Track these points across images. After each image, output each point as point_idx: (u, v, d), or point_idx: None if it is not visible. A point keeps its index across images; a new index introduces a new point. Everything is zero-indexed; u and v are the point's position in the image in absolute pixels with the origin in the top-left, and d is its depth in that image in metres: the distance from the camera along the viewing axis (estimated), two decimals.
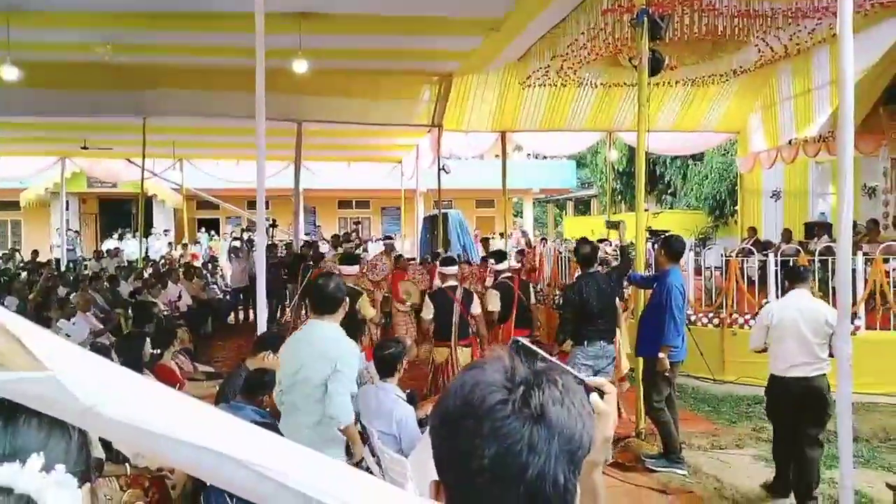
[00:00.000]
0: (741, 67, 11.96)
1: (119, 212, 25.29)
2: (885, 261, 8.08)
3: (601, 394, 1.04)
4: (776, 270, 8.29)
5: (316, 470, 0.89)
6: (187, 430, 0.76)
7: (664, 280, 5.69)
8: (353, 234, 17.48)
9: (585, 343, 5.89)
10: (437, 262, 8.16)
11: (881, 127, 11.57)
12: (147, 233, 20.34)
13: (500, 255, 8.12)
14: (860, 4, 8.33)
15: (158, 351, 6.28)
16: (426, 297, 6.93)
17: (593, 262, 6.17)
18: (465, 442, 0.86)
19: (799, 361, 4.77)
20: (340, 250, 11.68)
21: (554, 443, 0.85)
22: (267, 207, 6.26)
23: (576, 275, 6.82)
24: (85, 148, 15.51)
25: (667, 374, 5.66)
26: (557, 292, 11.02)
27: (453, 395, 0.91)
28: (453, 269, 6.85)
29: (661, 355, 5.55)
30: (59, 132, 14.65)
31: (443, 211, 14.97)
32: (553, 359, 0.98)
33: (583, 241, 6.57)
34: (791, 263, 6.65)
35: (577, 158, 27.31)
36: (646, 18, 6.41)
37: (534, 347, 0.99)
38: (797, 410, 4.81)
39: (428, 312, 6.47)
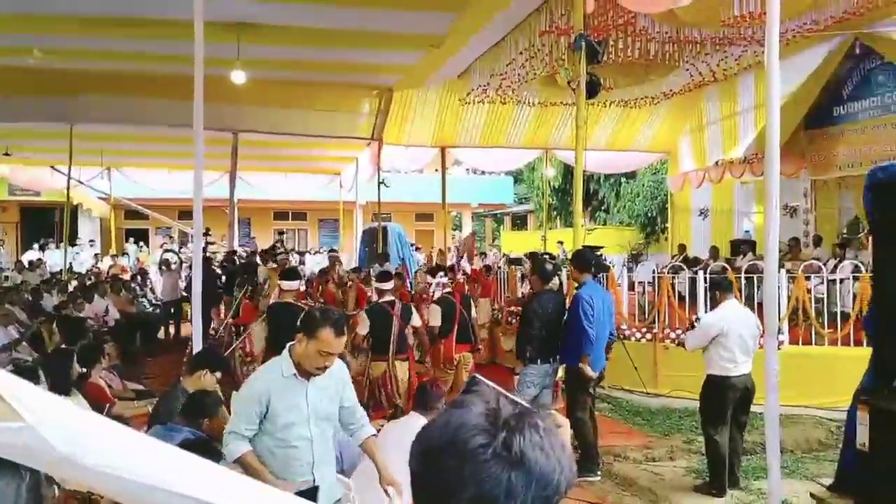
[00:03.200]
0: (671, 90, 12.41)
1: (42, 221, 24.17)
2: (807, 278, 8.47)
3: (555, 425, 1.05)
4: (705, 287, 8.58)
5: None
6: (164, 477, 0.74)
7: (576, 294, 5.99)
8: (279, 244, 17.06)
9: (539, 361, 5.95)
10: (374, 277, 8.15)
11: (802, 150, 12.19)
12: (72, 243, 19.55)
13: (442, 270, 8.16)
14: (782, 34, 8.76)
15: (85, 369, 6.02)
16: (362, 312, 6.91)
17: (551, 279, 6.27)
18: (445, 480, 0.88)
19: (741, 361, 5.51)
20: (272, 264, 11.42)
21: (532, 488, 0.87)
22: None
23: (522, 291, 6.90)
24: (7, 154, 14.82)
25: (587, 384, 5.93)
26: (495, 307, 11.12)
27: (438, 432, 0.92)
28: (389, 284, 6.85)
29: (580, 365, 5.81)
30: None
31: (382, 224, 14.93)
32: (515, 396, 0.98)
33: (547, 257, 6.70)
34: (716, 276, 7.02)
35: (515, 174, 27.71)
36: (584, 43, 6.58)
37: (491, 384, 1.00)
38: (738, 402, 5.54)
39: (363, 328, 6.43)
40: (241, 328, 8.26)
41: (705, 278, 8.62)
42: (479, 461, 0.86)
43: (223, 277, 12.22)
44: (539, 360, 5.95)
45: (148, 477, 0.74)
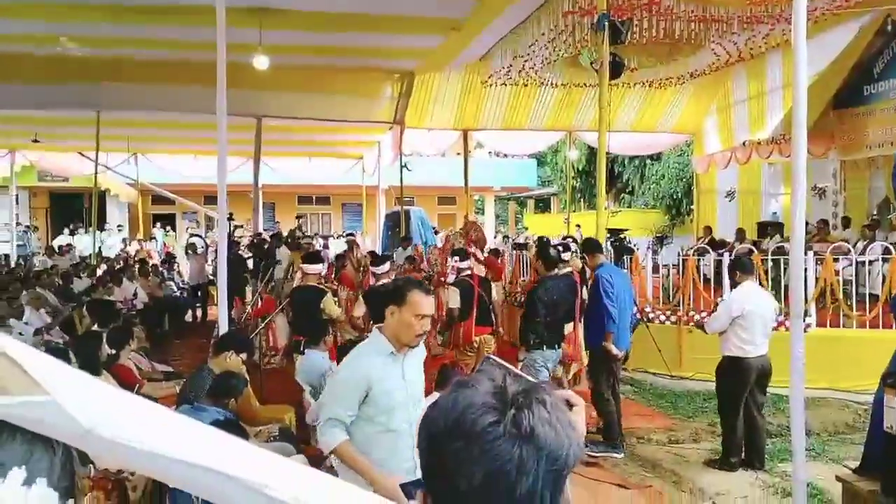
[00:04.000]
0: (697, 70, 12.21)
1: (71, 206, 24.61)
2: (836, 260, 8.34)
3: (570, 405, 1.06)
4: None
5: (290, 476, 0.90)
6: (185, 449, 0.77)
7: (595, 275, 6.07)
8: (298, 229, 17.17)
9: (545, 347, 5.95)
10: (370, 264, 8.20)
11: (831, 130, 11.95)
12: (100, 228, 19.86)
13: (462, 253, 8.12)
14: (811, 11, 8.58)
15: (114, 351, 6.14)
16: (359, 296, 6.99)
17: (556, 264, 6.26)
18: (455, 461, 0.88)
19: (760, 342, 5.54)
20: (285, 249, 11.48)
21: (542, 463, 0.87)
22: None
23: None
24: (36, 141, 15.06)
25: (612, 363, 6.00)
26: (518, 289, 11.11)
27: (444, 413, 0.92)
28: (385, 268, 6.90)
29: (605, 343, 5.88)
30: (9, 125, 14.23)
31: (405, 208, 14.95)
32: (522, 373, 0.99)
33: (547, 242, 6.69)
34: (738, 257, 6.99)
35: (538, 157, 27.54)
36: (607, 23, 6.51)
37: (504, 363, 1.01)
38: (754, 383, 5.55)
39: (359, 310, 6.51)
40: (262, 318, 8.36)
41: (731, 261, 8.52)
42: (489, 440, 0.87)
43: (250, 262, 12.34)
44: (545, 347, 5.94)
45: (170, 450, 0.77)
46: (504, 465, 0.86)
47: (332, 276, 9.03)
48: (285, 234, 16.05)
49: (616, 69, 7.09)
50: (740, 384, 5.54)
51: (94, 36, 9.68)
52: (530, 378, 0.99)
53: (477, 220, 14.71)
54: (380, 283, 6.74)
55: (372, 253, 11.16)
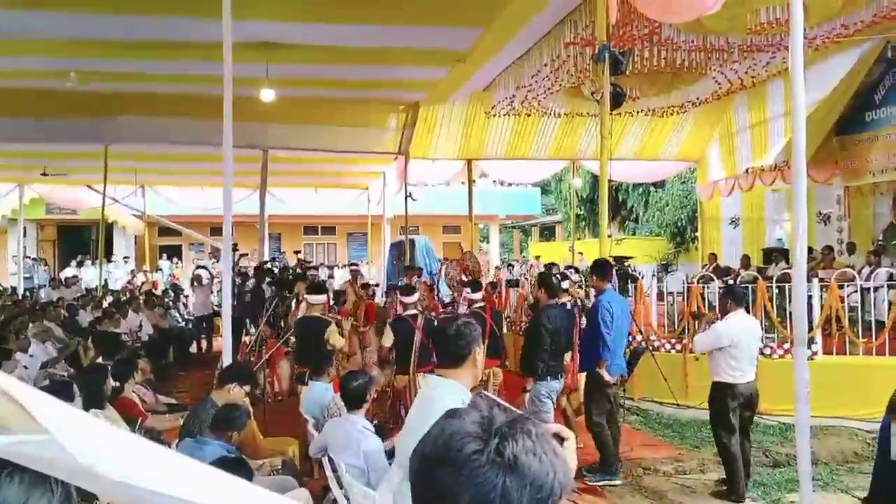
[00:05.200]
0: (699, 99, 12.31)
1: (78, 239, 24.74)
2: (841, 287, 8.30)
3: (560, 440, 1.08)
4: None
5: None
6: (181, 488, 0.78)
7: (596, 301, 6.11)
8: (299, 262, 17.19)
9: (549, 378, 5.93)
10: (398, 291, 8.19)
11: (834, 156, 11.99)
12: (107, 260, 19.96)
13: (475, 285, 8.11)
14: (811, 39, 8.67)
15: (118, 383, 6.14)
16: (387, 324, 7.00)
17: (558, 293, 6.26)
18: (443, 488, 0.91)
19: (747, 369, 5.62)
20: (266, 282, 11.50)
21: (526, 492, 0.90)
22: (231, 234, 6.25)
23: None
24: (45, 175, 15.22)
25: (606, 389, 5.99)
26: (524, 319, 11.08)
27: (433, 441, 0.95)
28: (413, 298, 6.91)
29: (598, 370, 5.91)
30: (18, 159, 14.39)
31: (410, 237, 15.00)
32: (514, 408, 1.01)
33: (549, 270, 6.69)
34: (732, 286, 7.01)
35: (542, 185, 27.65)
36: (607, 54, 6.59)
37: (496, 398, 1.03)
38: (742, 408, 5.62)
39: (388, 340, 6.52)
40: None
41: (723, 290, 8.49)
42: (472, 467, 0.90)
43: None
44: (549, 377, 5.92)
45: (168, 488, 0.78)
46: (489, 493, 0.89)
47: (329, 311, 9.07)
48: (292, 264, 16.09)
49: (617, 100, 7.16)
50: (730, 411, 5.56)
51: (104, 71, 9.83)
52: (517, 410, 1.01)
53: (476, 251, 14.65)
54: (407, 312, 6.75)
55: (365, 285, 11.20)
